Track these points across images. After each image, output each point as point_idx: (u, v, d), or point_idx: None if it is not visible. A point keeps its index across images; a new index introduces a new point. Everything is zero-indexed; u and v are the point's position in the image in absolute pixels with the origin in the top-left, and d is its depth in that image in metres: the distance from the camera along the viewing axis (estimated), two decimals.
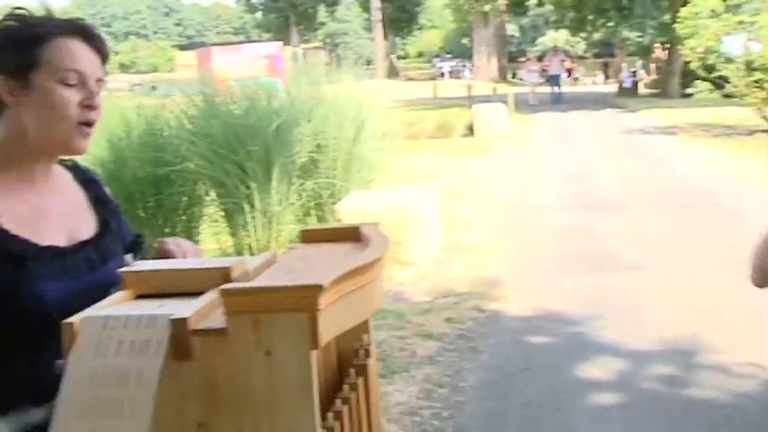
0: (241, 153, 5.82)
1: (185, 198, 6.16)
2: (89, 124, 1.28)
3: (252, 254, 5.97)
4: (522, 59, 32.12)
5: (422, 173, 9.64)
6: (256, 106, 6.18)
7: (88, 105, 1.26)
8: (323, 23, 55.65)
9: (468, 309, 4.65)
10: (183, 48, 73.63)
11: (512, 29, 47.42)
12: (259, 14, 52.49)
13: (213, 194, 6.28)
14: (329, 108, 6.47)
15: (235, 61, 14.01)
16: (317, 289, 0.98)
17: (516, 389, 3.48)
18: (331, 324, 1.03)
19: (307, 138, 6.21)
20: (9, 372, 1.19)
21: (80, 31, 1.27)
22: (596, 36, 32.04)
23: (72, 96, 1.24)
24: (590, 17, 25.71)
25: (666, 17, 21.66)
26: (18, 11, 1.27)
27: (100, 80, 1.29)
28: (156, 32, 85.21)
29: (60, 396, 0.95)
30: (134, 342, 0.97)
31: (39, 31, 1.23)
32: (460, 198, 8.25)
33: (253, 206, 5.91)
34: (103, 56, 1.31)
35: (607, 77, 34.11)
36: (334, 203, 6.04)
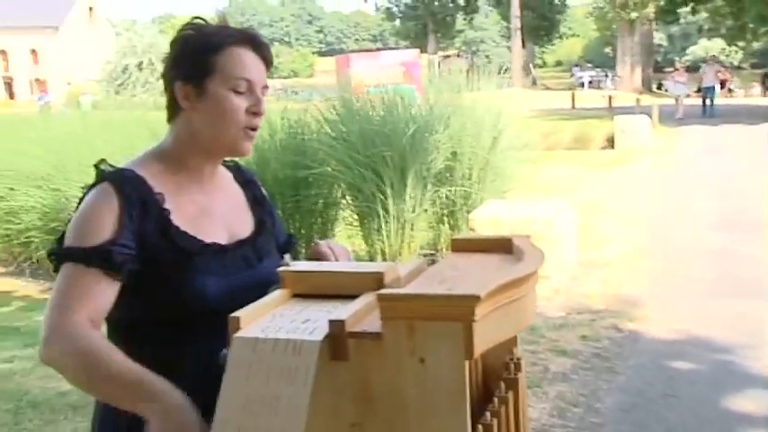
0: (377, 158, 5.92)
1: (321, 201, 6.34)
2: (254, 129, 1.35)
3: (384, 259, 6.05)
4: (669, 69, 30.52)
5: (558, 185, 9.39)
6: (393, 112, 6.26)
7: (254, 112, 1.33)
8: (460, 31, 55.62)
9: (605, 327, 4.47)
10: (322, 54, 76.09)
11: (658, 37, 45.26)
12: (397, 22, 53.31)
13: (348, 198, 6.42)
14: (466, 116, 6.45)
15: (372, 68, 14.30)
16: (475, 299, 0.97)
17: (658, 415, 3.29)
18: (485, 335, 1.02)
19: (443, 145, 6.22)
20: (171, 357, 1.26)
21: (250, 40, 1.34)
22: (756, 45, 29.84)
23: (241, 103, 1.32)
24: (750, 25, 23.95)
25: None
26: (196, 20, 1.36)
27: (265, 87, 1.36)
28: (297, 39, 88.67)
29: (216, 417, 1.00)
30: (282, 369, 1.00)
31: (214, 41, 1.31)
32: (598, 212, 7.97)
33: (387, 211, 5.99)
34: (268, 64, 1.37)
35: (766, 89, 31.72)
36: (468, 212, 6.01)
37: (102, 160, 1.33)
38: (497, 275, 1.13)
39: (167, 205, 1.29)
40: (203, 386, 1.23)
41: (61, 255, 1.24)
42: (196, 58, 1.30)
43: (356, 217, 6.45)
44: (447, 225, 6.48)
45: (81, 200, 1.29)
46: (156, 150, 1.38)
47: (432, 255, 6.28)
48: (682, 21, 35.91)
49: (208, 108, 1.31)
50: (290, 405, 0.97)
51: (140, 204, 1.26)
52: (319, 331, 1.05)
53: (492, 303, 1.03)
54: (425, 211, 6.27)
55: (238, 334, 1.03)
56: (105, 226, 1.23)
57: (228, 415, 0.99)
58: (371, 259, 6.05)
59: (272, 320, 1.10)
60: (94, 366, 1.15)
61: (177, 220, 1.29)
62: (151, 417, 1.12)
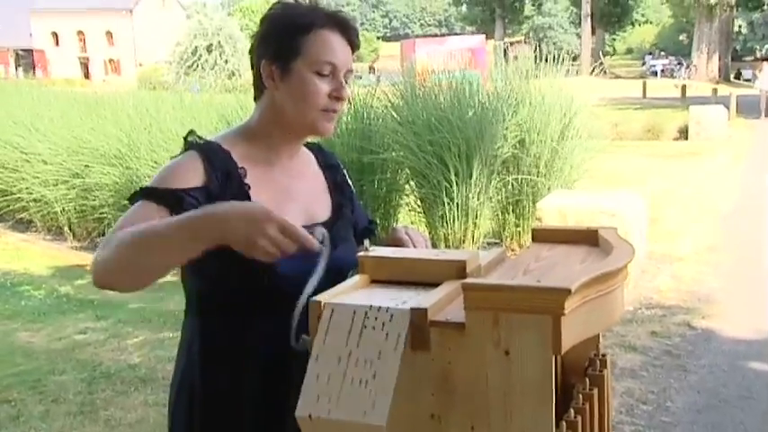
0: (443, 145, 5.87)
1: (385, 186, 6.32)
2: (335, 111, 1.33)
3: (447, 246, 6.00)
4: (749, 58, 29.27)
5: (628, 175, 9.15)
6: (460, 99, 6.18)
7: (336, 96, 1.31)
8: (528, 17, 54.65)
9: (677, 324, 4.33)
10: (386, 39, 75.95)
11: (737, 24, 43.29)
12: (464, 7, 52.70)
13: (413, 184, 6.38)
14: (535, 104, 6.32)
15: (438, 53, 14.19)
16: (565, 293, 0.93)
17: (734, 418, 3.17)
18: (573, 330, 0.98)
19: (510, 133, 6.12)
20: (238, 330, 1.27)
21: (339, 23, 1.32)
22: None
23: (323, 87, 1.30)
24: None
25: None
26: (286, 0, 1.34)
27: (349, 72, 1.33)
28: (362, 24, 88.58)
29: (307, 374, 0.99)
30: (375, 334, 0.99)
31: (304, 22, 1.29)
32: (669, 204, 7.73)
33: (451, 199, 5.93)
34: (354, 48, 1.35)
35: None
36: (535, 202, 5.91)
37: (191, 131, 1.34)
38: (586, 268, 1.09)
39: (248, 180, 1.29)
40: (267, 362, 1.24)
41: (138, 193, 1.26)
42: (283, 38, 1.29)
43: (420, 203, 6.42)
44: (512, 214, 6.38)
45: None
46: (241, 127, 1.38)
47: (496, 244, 6.20)
48: (765, 7, 34.21)
49: (290, 89, 1.30)
50: (381, 369, 0.97)
51: (223, 175, 1.27)
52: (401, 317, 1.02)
53: (581, 297, 0.99)
54: (490, 199, 6.19)
55: (330, 300, 1.03)
56: (185, 179, 1.25)
57: (320, 370, 0.99)
58: (434, 247, 6.00)
59: (371, 293, 1.09)
60: (139, 239, 1.14)
61: (256, 196, 1.29)
62: (228, 237, 1.11)
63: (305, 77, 1.29)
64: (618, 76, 34.21)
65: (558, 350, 0.95)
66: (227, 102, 7.56)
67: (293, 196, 1.36)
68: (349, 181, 1.50)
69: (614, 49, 58.99)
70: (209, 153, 1.28)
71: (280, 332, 1.19)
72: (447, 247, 6.01)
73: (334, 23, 1.31)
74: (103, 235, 7.16)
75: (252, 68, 1.34)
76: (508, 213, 6.39)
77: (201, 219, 1.12)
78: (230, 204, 1.14)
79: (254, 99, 1.37)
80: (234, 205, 1.14)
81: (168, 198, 1.22)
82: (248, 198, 1.28)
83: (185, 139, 1.33)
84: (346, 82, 1.33)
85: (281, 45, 1.29)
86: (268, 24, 1.33)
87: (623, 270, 1.11)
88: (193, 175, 1.25)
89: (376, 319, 1.00)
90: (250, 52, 1.35)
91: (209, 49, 35.48)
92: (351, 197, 1.47)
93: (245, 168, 1.30)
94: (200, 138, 1.33)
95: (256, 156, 1.33)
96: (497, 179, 6.19)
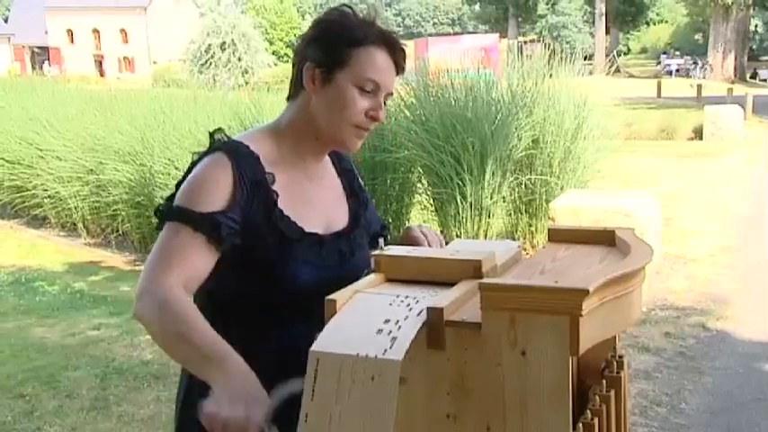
0: (457, 143, 5.85)
1: (398, 185, 6.31)
2: (366, 129, 1.32)
3: None
4: (765, 58, 29.00)
5: (642, 175, 9.09)
6: (475, 98, 6.16)
7: (373, 116, 1.30)
8: (542, 16, 54.39)
9: (691, 325, 4.30)
10: (400, 38, 75.84)
11: (753, 24, 42.90)
12: (477, 6, 52.53)
13: (425, 183, 6.37)
14: (548, 103, 6.29)
15: (451, 52, 14.12)
16: (583, 293, 0.93)
17: (749, 421, 3.14)
18: (591, 332, 0.97)
19: (525, 133, 6.09)
20: (256, 335, 1.26)
21: (390, 43, 1.30)
22: None
23: (363, 104, 1.28)
24: None
25: None
26: (344, 8, 1.32)
27: (389, 94, 1.32)
28: None
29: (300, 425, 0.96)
30: (365, 389, 0.93)
31: (356, 35, 1.28)
32: (684, 205, 7.67)
33: (464, 197, 5.91)
34: (400, 70, 1.33)
35: None
36: (548, 201, 5.88)
37: (219, 129, 1.33)
38: (604, 269, 1.08)
39: (275, 187, 1.28)
40: (284, 369, 1.23)
41: (170, 213, 1.23)
42: (333, 46, 1.28)
43: (432, 202, 6.40)
44: (525, 214, 6.35)
45: (193, 164, 1.29)
46: (270, 126, 1.36)
47: None
48: None
49: (329, 97, 1.29)
50: (375, 426, 0.92)
51: (252, 183, 1.25)
52: (408, 328, 0.99)
53: (599, 298, 0.98)
54: (503, 198, 6.16)
55: (319, 348, 0.97)
56: (218, 195, 1.23)
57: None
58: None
59: (362, 309, 1.07)
60: (178, 331, 1.14)
61: (282, 203, 1.28)
62: (213, 383, 1.08)
63: (346, 90, 1.28)
64: (632, 76, 33.96)
65: (575, 351, 0.94)
66: (239, 99, 7.59)
67: (314, 203, 1.35)
68: (363, 185, 1.48)
69: (629, 48, 58.56)
70: (238, 157, 1.26)
71: (294, 339, 1.19)
72: None
73: (385, 43, 1.30)
74: (117, 231, 7.24)
75: (293, 67, 1.33)
76: (521, 213, 6.37)
77: (216, 376, 1.08)
78: (244, 394, 1.06)
79: (287, 98, 1.36)
80: (245, 377, 1.08)
81: (205, 225, 1.21)
82: (275, 205, 1.27)
83: (211, 135, 1.32)
84: (385, 104, 1.32)
85: (329, 52, 1.27)
86: (321, 29, 1.31)
87: (641, 271, 1.10)
88: (224, 189, 1.23)
89: (364, 372, 0.93)
90: (295, 52, 1.33)
91: (222, 47, 35.54)
92: (365, 203, 1.46)
93: (273, 174, 1.29)
94: (227, 137, 1.31)
95: (282, 158, 1.32)
96: (511, 178, 6.16)
